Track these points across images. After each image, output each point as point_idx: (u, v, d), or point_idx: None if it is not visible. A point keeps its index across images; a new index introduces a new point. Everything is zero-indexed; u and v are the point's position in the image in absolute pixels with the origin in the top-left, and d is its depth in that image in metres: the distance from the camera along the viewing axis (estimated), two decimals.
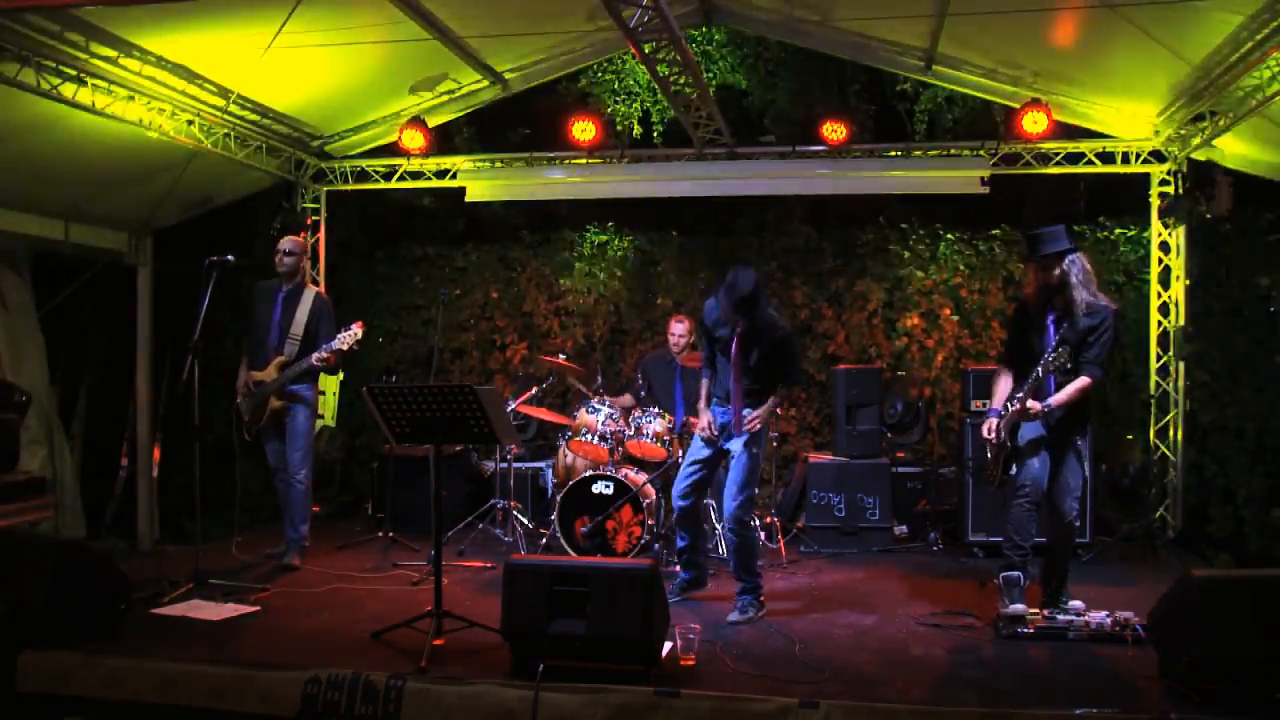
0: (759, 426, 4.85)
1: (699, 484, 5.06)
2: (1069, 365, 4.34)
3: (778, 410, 6.74)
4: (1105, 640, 4.31)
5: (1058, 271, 4.46)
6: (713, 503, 6.23)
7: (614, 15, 4.98)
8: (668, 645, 4.11)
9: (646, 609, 3.80)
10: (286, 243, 5.93)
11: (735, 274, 4.63)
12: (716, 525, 6.29)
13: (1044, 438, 4.53)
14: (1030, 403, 4.42)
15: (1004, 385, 4.69)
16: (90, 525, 7.04)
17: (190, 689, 3.84)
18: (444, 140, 7.77)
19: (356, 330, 5.62)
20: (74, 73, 5.36)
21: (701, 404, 5.14)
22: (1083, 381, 4.41)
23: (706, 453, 5.02)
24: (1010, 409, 4.52)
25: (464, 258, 8.50)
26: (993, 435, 4.59)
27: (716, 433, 4.96)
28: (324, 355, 5.65)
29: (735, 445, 4.89)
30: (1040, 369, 4.35)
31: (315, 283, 8.16)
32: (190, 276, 5.61)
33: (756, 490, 5.03)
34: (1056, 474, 4.55)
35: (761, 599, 4.92)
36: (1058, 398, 4.42)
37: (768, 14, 6.82)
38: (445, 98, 7.31)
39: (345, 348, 5.63)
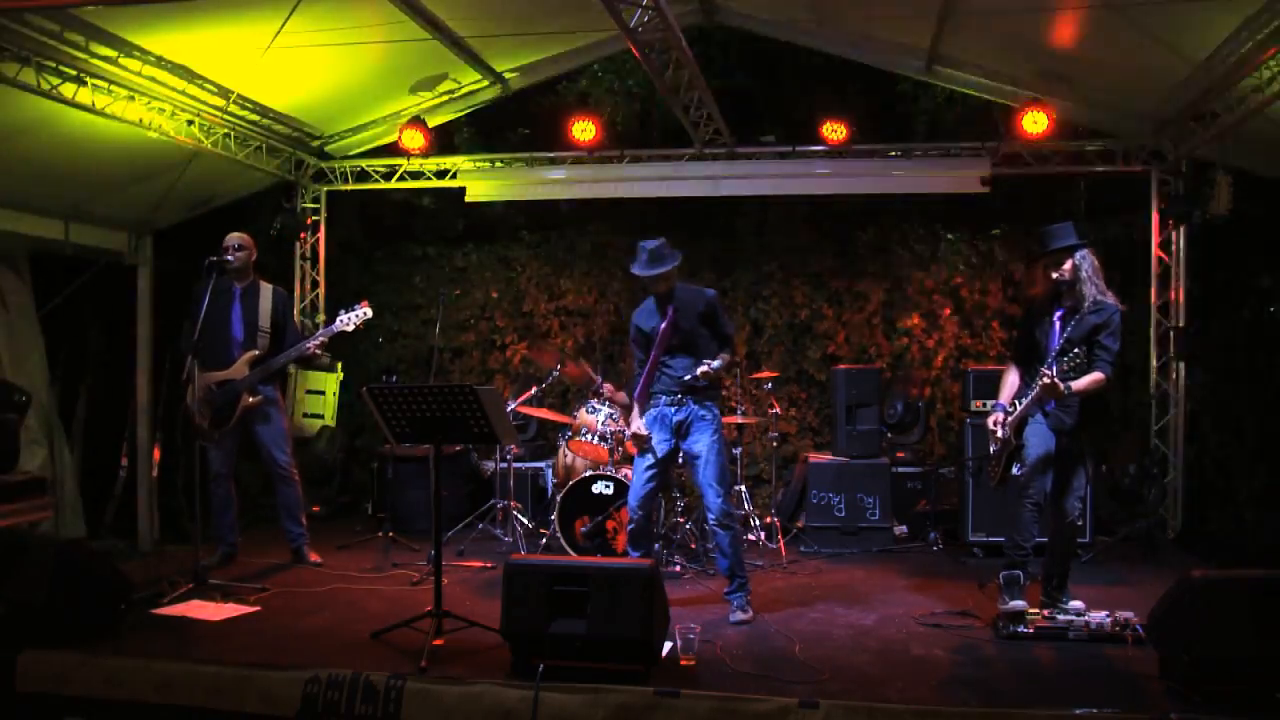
0: (714, 370, 4.75)
1: (654, 493, 4.98)
2: (1084, 366, 4.28)
3: (776, 408, 6.84)
4: (1105, 640, 4.31)
5: (1069, 265, 4.46)
6: None
7: (614, 15, 4.98)
8: (668, 645, 4.12)
9: (646, 609, 3.80)
10: (234, 238, 5.78)
11: (644, 241, 4.88)
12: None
13: (1052, 455, 4.46)
14: (1057, 379, 4.25)
15: (1011, 382, 4.69)
16: (90, 525, 7.05)
17: (190, 689, 3.83)
18: (444, 140, 7.76)
19: (364, 310, 5.57)
20: (74, 73, 5.36)
21: (635, 410, 5.00)
22: (1098, 375, 4.35)
23: (654, 458, 4.91)
24: (1019, 406, 4.50)
25: (464, 258, 8.50)
26: (998, 429, 4.58)
27: (650, 436, 4.89)
28: (321, 339, 5.63)
29: (701, 443, 4.82)
30: (1053, 369, 4.28)
31: (316, 284, 8.18)
32: (190, 276, 5.60)
33: (731, 482, 4.98)
34: (1060, 473, 4.54)
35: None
36: (1079, 383, 4.31)
37: (768, 14, 6.82)
38: (445, 98, 7.32)
39: (351, 329, 5.60)
